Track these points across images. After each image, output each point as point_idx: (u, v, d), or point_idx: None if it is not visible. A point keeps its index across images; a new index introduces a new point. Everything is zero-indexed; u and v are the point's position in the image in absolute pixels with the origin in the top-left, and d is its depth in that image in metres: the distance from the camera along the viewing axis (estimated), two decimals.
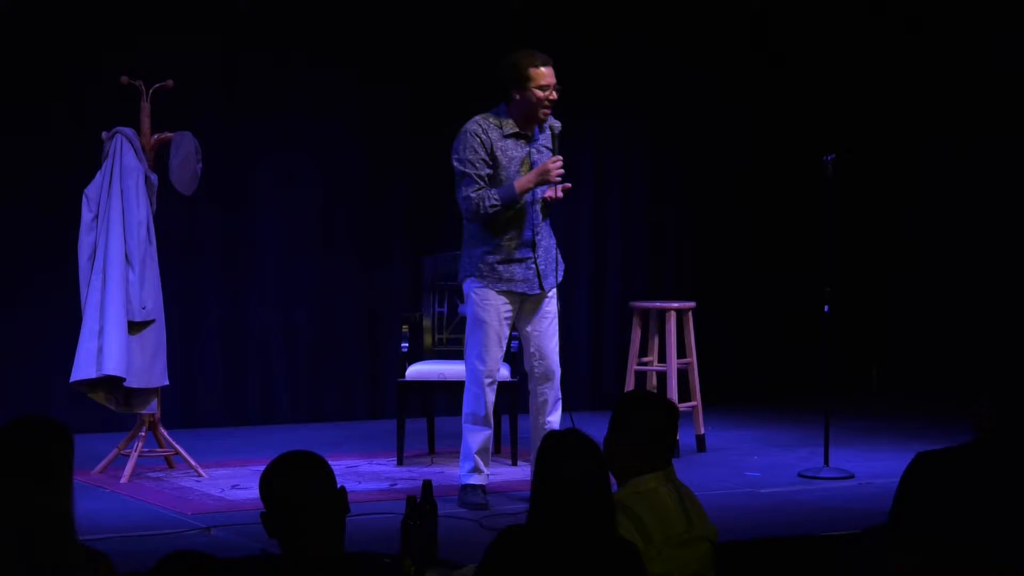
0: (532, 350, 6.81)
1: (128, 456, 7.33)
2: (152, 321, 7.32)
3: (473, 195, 6.61)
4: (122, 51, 8.36)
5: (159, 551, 3.43)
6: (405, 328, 8.10)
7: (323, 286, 9.37)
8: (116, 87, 7.54)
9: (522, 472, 7.41)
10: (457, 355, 7.64)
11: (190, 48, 8.84)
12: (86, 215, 7.31)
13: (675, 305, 8.26)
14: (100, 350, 7.14)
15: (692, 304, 8.35)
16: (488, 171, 6.65)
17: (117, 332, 7.16)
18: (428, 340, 8.15)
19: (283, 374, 9.31)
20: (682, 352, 8.25)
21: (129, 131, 7.37)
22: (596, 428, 4.37)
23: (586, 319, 10.02)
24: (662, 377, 8.22)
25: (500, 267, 6.70)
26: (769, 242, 10.49)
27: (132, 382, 7.23)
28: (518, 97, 6.66)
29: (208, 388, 9.10)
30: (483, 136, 6.65)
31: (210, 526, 6.26)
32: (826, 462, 7.63)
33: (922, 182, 10.68)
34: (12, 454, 3.59)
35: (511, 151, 6.69)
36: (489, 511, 6.58)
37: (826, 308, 7.68)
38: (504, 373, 7.08)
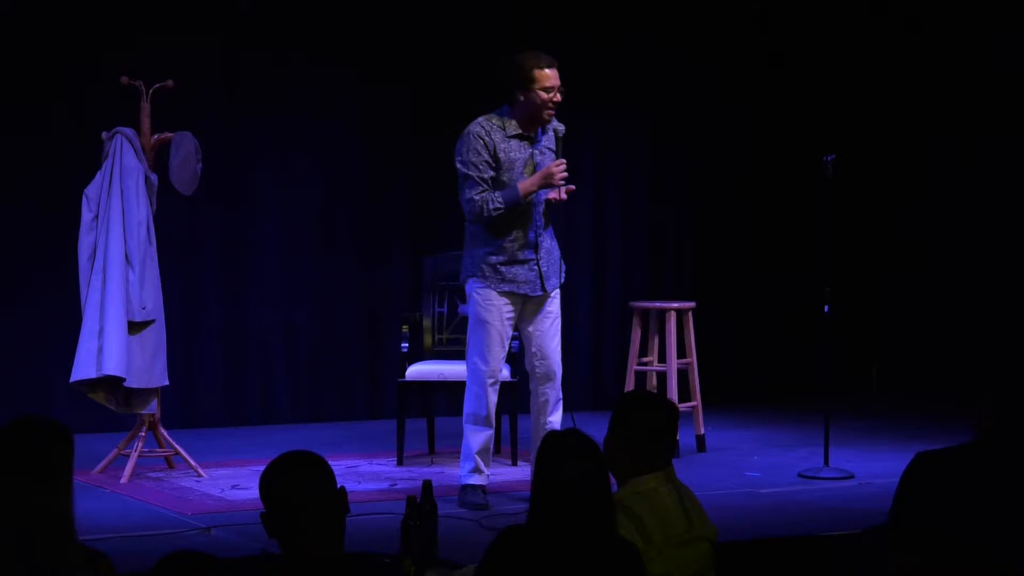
0: (534, 350, 6.81)
1: (128, 456, 7.33)
2: (152, 321, 7.32)
3: (476, 198, 6.61)
4: (122, 51, 8.35)
5: (159, 551, 3.43)
6: (405, 328, 8.10)
7: (323, 286, 9.37)
8: (116, 87, 7.54)
9: (522, 472, 7.41)
10: (457, 355, 7.64)
11: (190, 48, 8.84)
12: (86, 215, 7.31)
13: (675, 305, 8.26)
14: (100, 350, 7.14)
15: (692, 304, 8.35)
16: (491, 173, 6.65)
17: (117, 332, 7.16)
18: (428, 340, 8.15)
19: (283, 374, 9.31)
20: (682, 352, 8.25)
21: (129, 131, 7.37)
22: (596, 428, 4.37)
23: (586, 319, 10.02)
24: (662, 377, 8.21)
25: (503, 268, 6.70)
26: (769, 242, 10.49)
27: (132, 382, 7.23)
28: (522, 98, 6.66)
29: (208, 388, 9.10)
30: (486, 138, 6.65)
31: (210, 526, 6.26)
32: (826, 462, 7.63)
33: (922, 182, 10.68)
34: (12, 454, 3.59)
35: (514, 152, 6.69)
36: (489, 511, 6.58)
37: (826, 308, 7.68)
38: (505, 373, 7.08)
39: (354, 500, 3.65)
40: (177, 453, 7.48)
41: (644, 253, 10.25)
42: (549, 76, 6.64)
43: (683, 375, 8.30)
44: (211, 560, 3.22)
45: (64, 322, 7.95)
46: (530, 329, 6.81)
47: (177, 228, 8.68)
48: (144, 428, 7.42)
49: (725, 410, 9.49)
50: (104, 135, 7.40)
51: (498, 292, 6.71)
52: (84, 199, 7.32)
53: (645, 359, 8.38)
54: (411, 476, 7.41)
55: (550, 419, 6.77)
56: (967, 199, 10.40)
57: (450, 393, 8.21)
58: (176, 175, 7.44)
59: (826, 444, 7.63)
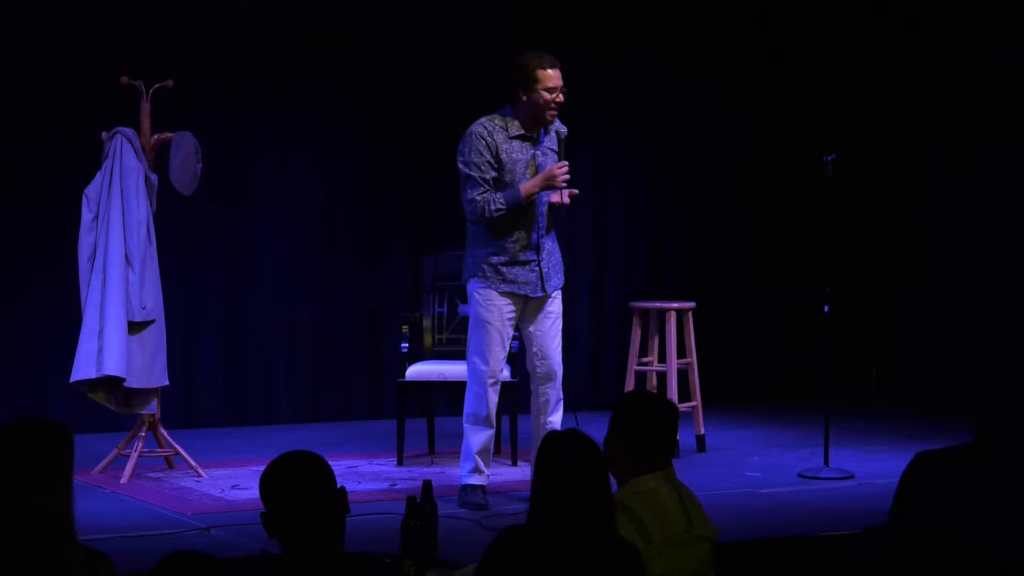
0: (535, 350, 6.81)
1: (128, 456, 7.33)
2: (152, 321, 7.32)
3: (478, 198, 6.61)
4: (122, 51, 8.35)
5: (159, 551, 3.43)
6: (405, 328, 8.10)
7: (323, 286, 9.37)
8: (116, 87, 7.54)
9: (522, 472, 7.41)
10: (457, 355, 7.64)
11: (190, 48, 8.84)
12: (86, 215, 7.31)
13: (675, 305, 8.26)
14: (100, 350, 7.14)
15: (692, 304, 8.35)
16: (493, 174, 6.65)
17: (117, 332, 7.16)
18: (428, 340, 8.15)
19: (283, 374, 9.31)
20: (682, 352, 8.25)
21: (129, 131, 7.37)
22: (596, 428, 4.36)
23: (586, 319, 10.02)
24: (662, 377, 8.21)
25: (504, 269, 6.70)
26: (769, 242, 10.49)
27: (132, 382, 7.23)
28: (525, 99, 6.66)
29: (208, 388, 9.10)
30: (488, 139, 6.65)
31: (210, 526, 6.26)
32: (826, 462, 7.63)
33: (922, 182, 10.68)
34: (12, 454, 3.59)
35: (516, 153, 6.69)
36: (489, 511, 6.58)
37: (826, 308, 7.68)
38: (505, 374, 7.08)
39: (354, 500, 3.65)
40: (177, 453, 7.48)
41: (644, 253, 10.25)
42: (552, 76, 6.64)
43: (683, 375, 8.30)
44: (211, 560, 3.22)
45: (64, 322, 7.95)
46: (531, 329, 6.82)
47: (177, 228, 8.68)
48: (144, 428, 7.42)
49: (725, 410, 9.49)
50: (104, 135, 7.40)
51: (499, 292, 6.72)
52: (84, 199, 7.32)
53: (645, 359, 8.38)
54: (411, 476, 7.41)
55: (550, 419, 6.77)
56: (967, 199, 10.40)
57: (450, 393, 8.22)
58: (176, 175, 7.44)
59: (826, 444, 7.63)
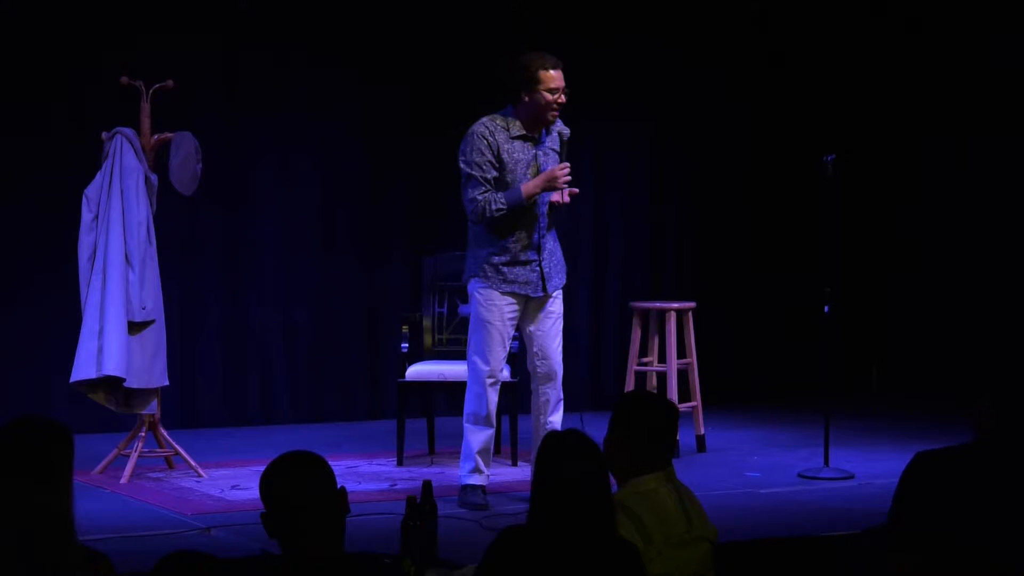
0: (535, 350, 6.81)
1: (128, 456, 7.33)
2: (152, 321, 7.32)
3: (479, 198, 6.61)
4: (122, 51, 8.35)
5: (159, 551, 3.42)
6: (405, 328, 8.10)
7: (323, 286, 9.37)
8: (116, 87, 7.54)
9: (522, 472, 7.41)
10: (457, 355, 7.65)
11: (190, 48, 8.84)
12: (86, 215, 7.31)
13: (675, 305, 8.26)
14: (100, 350, 7.14)
15: (692, 304, 8.35)
16: (494, 174, 6.65)
17: (117, 332, 7.16)
18: (428, 340, 8.15)
19: (283, 374, 9.31)
20: (682, 352, 8.25)
21: (129, 131, 7.37)
22: (596, 428, 4.36)
23: (586, 319, 10.02)
24: (662, 377, 8.22)
25: (505, 269, 6.71)
26: (769, 242, 10.49)
27: (132, 382, 7.23)
28: (527, 99, 6.66)
29: (208, 388, 9.10)
30: (490, 138, 6.65)
31: (210, 526, 6.26)
32: (826, 462, 7.63)
33: (922, 182, 10.68)
34: (12, 454, 3.59)
35: (518, 153, 6.69)
36: (489, 511, 6.58)
37: (826, 308, 7.68)
38: (505, 374, 7.08)
39: (354, 500, 3.65)
40: (177, 453, 7.48)
41: (644, 253, 10.25)
42: (554, 77, 6.64)
43: (683, 375, 8.30)
44: (211, 560, 3.22)
45: (64, 322, 7.95)
46: (531, 329, 6.82)
47: (177, 228, 8.68)
48: (144, 428, 7.43)
49: (725, 410, 9.49)
50: (104, 135, 7.40)
51: (500, 292, 6.72)
52: (84, 199, 7.32)
53: (645, 359, 8.38)
54: (411, 476, 7.41)
55: (551, 419, 6.77)
56: (967, 199, 10.40)
57: (450, 393, 8.22)
58: (176, 175, 7.44)
59: (826, 444, 7.63)
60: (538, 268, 6.74)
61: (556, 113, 6.71)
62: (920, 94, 10.57)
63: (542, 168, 6.70)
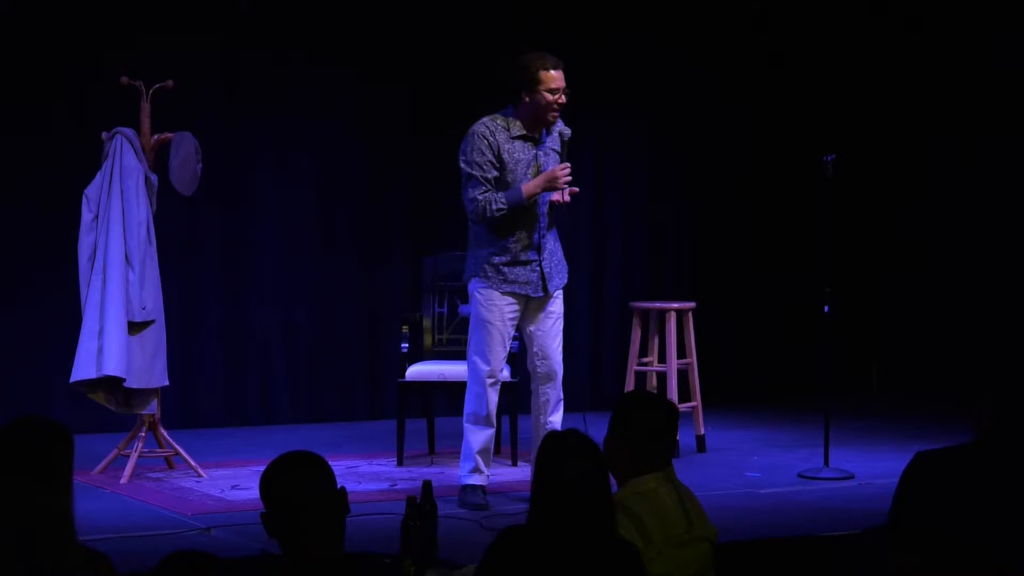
0: (535, 350, 6.81)
1: (128, 456, 7.33)
2: (152, 321, 7.32)
3: (480, 197, 6.61)
4: (122, 51, 8.35)
5: (159, 551, 3.42)
6: (405, 328, 8.10)
7: (323, 286, 9.37)
8: (116, 87, 7.54)
9: (522, 472, 7.41)
10: (457, 355, 7.65)
11: (190, 48, 8.84)
12: (86, 215, 7.31)
13: (675, 305, 8.26)
14: (100, 350, 7.14)
15: (692, 304, 8.35)
16: (495, 173, 6.65)
17: (117, 332, 7.16)
18: (428, 340, 8.15)
19: (283, 374, 9.31)
20: (682, 352, 8.25)
21: (129, 131, 7.37)
22: (597, 428, 4.36)
23: (586, 319, 10.02)
24: (662, 377, 8.21)
25: (505, 269, 6.71)
26: (769, 242, 10.49)
27: (132, 382, 7.23)
28: (527, 99, 6.66)
29: (208, 388, 9.10)
30: (490, 138, 6.65)
31: (210, 526, 6.26)
32: (826, 462, 7.63)
33: (922, 182, 10.68)
34: (12, 454, 3.59)
35: (518, 153, 6.69)
36: (489, 511, 6.58)
37: (826, 308, 7.68)
38: (505, 374, 7.08)
39: (354, 500, 3.65)
40: (177, 453, 7.48)
41: (644, 253, 10.25)
42: (555, 78, 6.64)
43: (683, 375, 8.30)
44: (213, 560, 3.22)
45: (64, 322, 7.95)
46: (532, 329, 6.82)
47: (177, 228, 8.68)
48: (144, 428, 7.42)
49: (725, 410, 9.49)
50: (104, 135, 7.40)
51: (501, 292, 6.72)
52: (84, 199, 7.32)
53: (645, 359, 8.38)
54: (411, 476, 7.41)
55: (551, 419, 6.77)
56: (967, 199, 10.40)
57: (450, 393, 8.22)
58: (176, 175, 7.44)
59: (826, 444, 7.63)
60: (538, 268, 6.74)
61: (557, 113, 6.71)
62: (920, 94, 10.57)
63: (543, 168, 6.70)
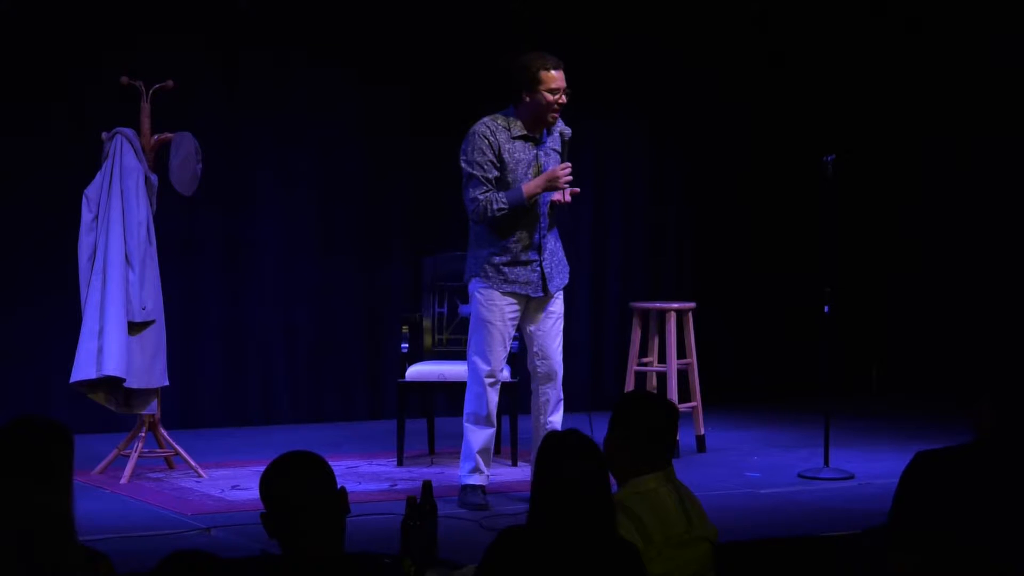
0: (535, 350, 6.81)
1: (128, 456, 7.33)
2: (152, 321, 7.32)
3: (481, 197, 6.61)
4: (122, 51, 8.35)
5: (159, 551, 3.42)
6: (405, 328, 8.10)
7: (323, 286, 9.37)
8: (116, 87, 7.54)
9: (522, 472, 7.41)
10: (457, 355, 7.65)
11: (190, 48, 8.84)
12: (86, 215, 7.31)
13: (675, 306, 8.26)
14: (100, 350, 7.14)
15: (692, 304, 8.35)
16: (495, 173, 6.65)
17: (117, 332, 7.16)
18: (428, 340, 8.15)
19: (283, 374, 9.31)
20: (682, 353, 8.25)
21: (129, 131, 7.37)
22: (598, 428, 4.36)
23: (586, 319, 10.02)
24: (662, 378, 8.21)
25: (506, 269, 6.70)
26: (769, 242, 10.49)
27: (132, 382, 7.23)
28: (528, 99, 6.66)
29: (208, 388, 9.10)
30: (491, 138, 6.65)
31: (210, 526, 6.26)
32: (826, 462, 7.63)
33: (922, 182, 10.68)
34: (12, 454, 3.59)
35: (519, 153, 6.69)
36: (489, 511, 6.58)
37: (826, 308, 7.68)
38: (505, 374, 7.08)
39: (354, 500, 3.65)
40: (177, 453, 7.48)
41: (644, 253, 10.25)
42: (555, 78, 6.64)
43: (683, 375, 8.30)
44: (213, 560, 3.22)
45: (64, 322, 7.95)
46: (532, 329, 6.81)
47: (177, 228, 8.68)
48: (144, 428, 7.42)
49: (725, 410, 9.49)
50: (104, 135, 7.40)
51: (501, 292, 6.72)
52: (84, 199, 7.32)
53: (645, 359, 8.38)
54: (411, 476, 7.41)
55: (551, 419, 6.77)
56: (967, 199, 10.40)
57: (450, 393, 8.22)
58: (176, 175, 7.44)
59: (826, 444, 7.63)
60: (539, 268, 6.74)
61: (557, 113, 6.71)
62: (920, 94, 10.57)
63: (543, 168, 6.70)
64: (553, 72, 6.64)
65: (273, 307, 9.25)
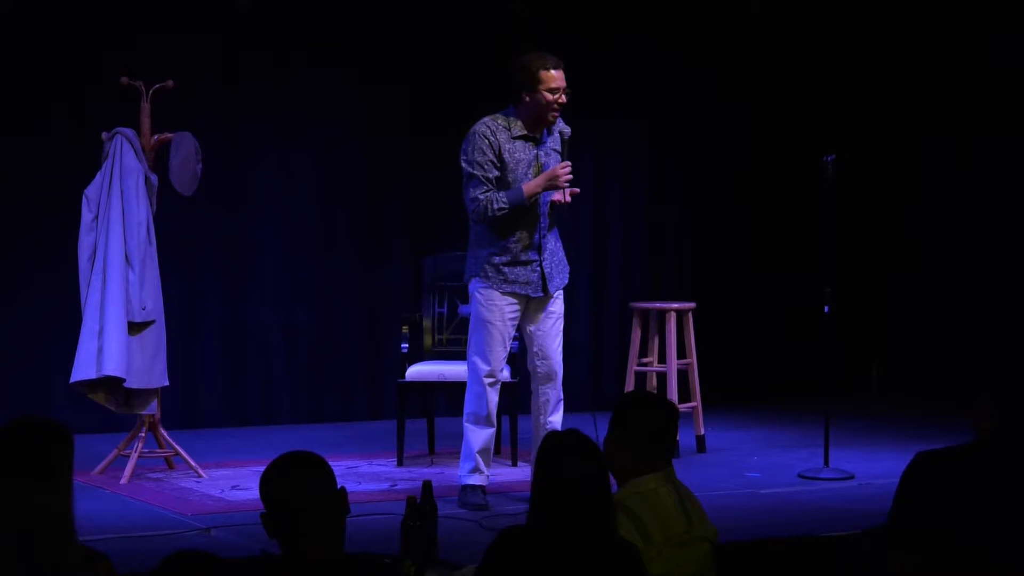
0: (535, 350, 6.81)
1: (128, 457, 7.33)
2: (152, 322, 7.32)
3: (481, 197, 6.61)
4: (122, 51, 8.36)
5: (159, 551, 3.42)
6: (405, 328, 8.10)
7: (323, 286, 9.37)
8: (116, 87, 7.54)
9: (522, 472, 7.41)
10: (457, 355, 7.64)
11: (190, 48, 8.84)
12: (86, 215, 7.31)
13: (675, 306, 8.26)
14: (100, 350, 7.14)
15: (692, 304, 8.35)
16: (496, 173, 6.65)
17: (117, 332, 7.16)
18: (428, 340, 8.15)
19: (283, 374, 9.31)
20: (682, 353, 8.25)
21: (129, 131, 7.37)
22: (600, 429, 4.35)
23: (586, 319, 10.02)
24: (662, 378, 8.21)
25: (506, 269, 6.71)
26: (769, 242, 10.49)
27: (132, 383, 7.23)
28: (528, 99, 6.66)
29: (208, 388, 9.10)
30: (491, 138, 6.65)
31: (210, 527, 6.26)
32: (826, 462, 7.63)
33: (922, 182, 10.68)
34: (12, 454, 3.59)
35: (519, 153, 6.69)
36: (489, 512, 6.58)
37: (826, 308, 7.68)
38: (505, 374, 7.08)
39: (354, 500, 3.65)
40: (177, 454, 7.48)
41: (644, 253, 10.25)
42: (555, 77, 6.64)
43: (683, 375, 8.30)
44: (213, 560, 3.22)
45: (64, 322, 7.95)
46: (532, 329, 6.81)
47: (177, 228, 8.68)
48: (144, 428, 7.42)
49: (725, 410, 9.49)
50: (104, 135, 7.40)
51: (501, 292, 6.72)
52: (84, 199, 7.32)
53: (645, 360, 8.38)
54: (411, 476, 7.41)
55: (551, 419, 6.77)
56: (967, 199, 10.40)
57: (450, 393, 8.22)
58: (176, 175, 7.44)
59: (826, 444, 7.63)
60: (539, 268, 6.74)
61: (557, 113, 6.71)
62: (920, 94, 10.57)
63: (544, 168, 6.70)
64: (553, 72, 6.64)
65: (273, 307, 9.25)
